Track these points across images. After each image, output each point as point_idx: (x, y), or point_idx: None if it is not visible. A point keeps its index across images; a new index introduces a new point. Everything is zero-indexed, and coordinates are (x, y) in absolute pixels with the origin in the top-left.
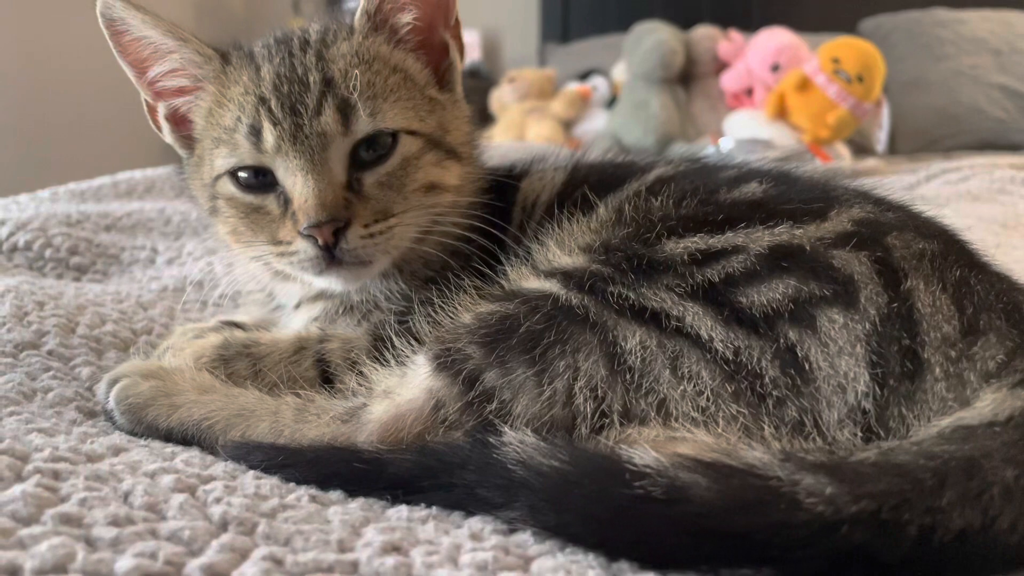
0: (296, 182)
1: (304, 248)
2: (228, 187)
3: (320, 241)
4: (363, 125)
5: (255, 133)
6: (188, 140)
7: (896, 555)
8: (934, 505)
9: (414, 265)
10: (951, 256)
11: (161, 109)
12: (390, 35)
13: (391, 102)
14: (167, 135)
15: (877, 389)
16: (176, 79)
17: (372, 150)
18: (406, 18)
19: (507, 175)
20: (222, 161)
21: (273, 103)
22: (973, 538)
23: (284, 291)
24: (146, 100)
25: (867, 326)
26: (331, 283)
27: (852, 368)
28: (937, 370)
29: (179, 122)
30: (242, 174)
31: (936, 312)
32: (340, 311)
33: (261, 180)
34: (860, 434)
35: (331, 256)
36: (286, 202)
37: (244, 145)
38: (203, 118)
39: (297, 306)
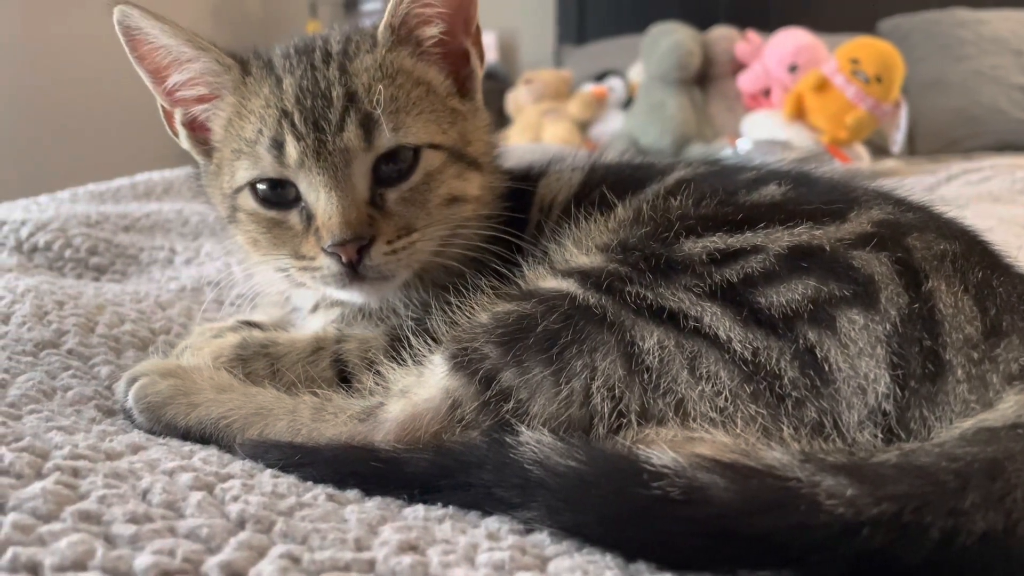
0: (320, 199)
1: (327, 264)
2: (249, 201)
3: (344, 259)
4: (386, 140)
5: (277, 147)
6: (205, 146)
7: (918, 558)
8: (956, 507)
9: (433, 274)
10: (973, 257)
11: (178, 115)
12: (414, 48)
13: (414, 116)
14: (183, 141)
15: (898, 391)
16: (195, 88)
17: (394, 165)
18: (431, 31)
19: (524, 176)
20: (243, 173)
21: (296, 117)
22: (996, 541)
23: (300, 296)
24: (162, 106)
25: (888, 327)
26: (352, 297)
27: (872, 369)
28: (959, 372)
29: (196, 128)
30: (261, 187)
31: (958, 313)
32: (359, 317)
33: (282, 194)
34: (880, 436)
35: (354, 272)
36: (309, 218)
37: (266, 158)
38: (222, 127)
39: (314, 310)
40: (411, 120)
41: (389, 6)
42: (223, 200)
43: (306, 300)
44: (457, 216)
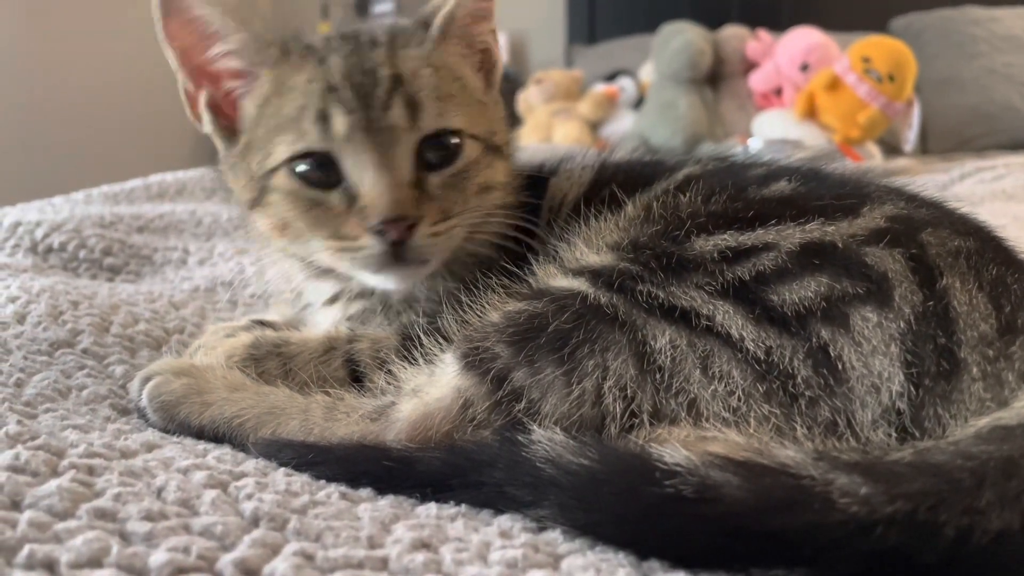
0: (366, 176)
1: (372, 244)
2: (287, 181)
3: (393, 236)
4: (431, 122)
5: (323, 119)
6: (229, 131)
7: (933, 557)
8: (972, 506)
9: (456, 264)
10: (987, 254)
11: (202, 98)
12: (461, 42)
13: (456, 104)
14: (206, 124)
15: (912, 389)
16: (231, 61)
17: (436, 150)
18: (484, 27)
19: (537, 172)
20: (284, 148)
21: (342, 91)
22: (1012, 540)
23: (315, 290)
24: (185, 89)
25: (902, 325)
26: (385, 282)
27: (886, 368)
28: (974, 369)
29: (219, 112)
30: (302, 166)
31: (973, 311)
32: (378, 310)
33: (324, 174)
34: (895, 435)
35: (396, 254)
36: (351, 198)
37: (311, 131)
38: (256, 106)
39: (332, 301)
40: (454, 107)
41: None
42: (249, 183)
43: (321, 294)
44: (487, 204)
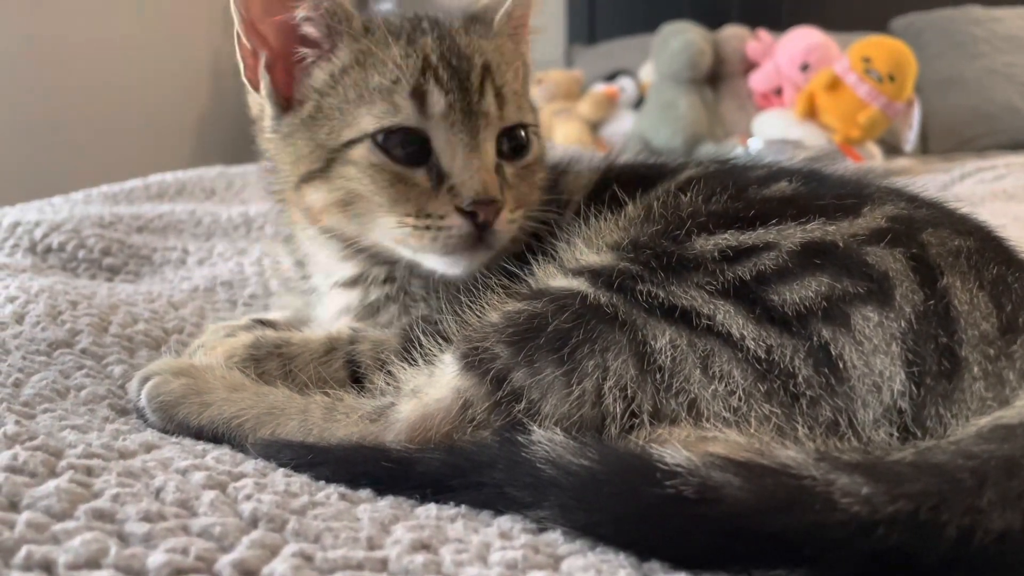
0: (459, 156)
1: (460, 224)
2: (370, 153)
3: (481, 218)
4: (512, 113)
5: (419, 96)
6: (282, 99)
7: (934, 557)
8: (974, 506)
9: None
10: (988, 253)
11: (263, 59)
12: (514, 42)
13: (522, 100)
14: (263, 88)
15: (913, 388)
16: (311, 27)
17: (511, 141)
18: (524, 33)
19: (552, 171)
20: (371, 120)
21: (441, 71)
22: (1014, 540)
23: (330, 271)
24: (243, 49)
25: (903, 324)
26: (453, 265)
27: (887, 367)
28: (975, 369)
29: (278, 75)
30: (386, 139)
31: (974, 310)
32: (401, 298)
33: (412, 150)
34: (896, 434)
35: (479, 235)
36: (440, 176)
37: (406, 107)
38: (330, 75)
39: (351, 284)
40: (523, 103)
41: (508, 2)
42: (315, 152)
43: (339, 274)
44: (536, 201)
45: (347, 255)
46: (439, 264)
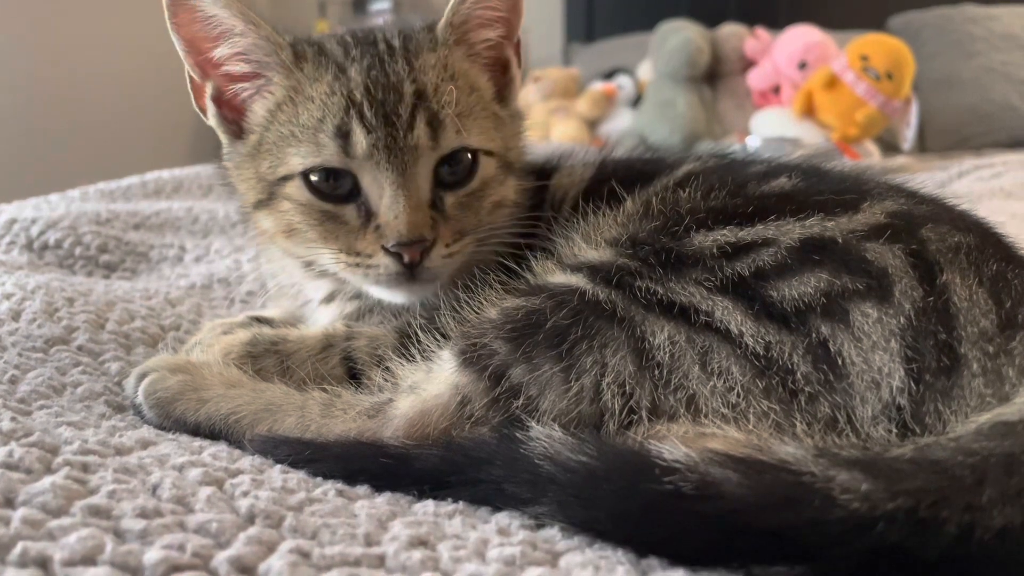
0: (385, 195)
1: (386, 264)
2: (300, 191)
3: (407, 259)
4: (451, 141)
5: (343, 136)
6: (234, 126)
7: (934, 554)
8: (973, 502)
9: (460, 274)
10: (988, 249)
11: (208, 90)
12: (468, 50)
13: (472, 120)
14: (211, 118)
15: (912, 385)
16: (238, 64)
17: (452, 168)
18: (488, 34)
19: (541, 170)
20: (298, 160)
21: (365, 108)
22: (1014, 537)
23: (313, 287)
24: (192, 78)
25: (902, 320)
26: (396, 297)
27: (887, 363)
28: (975, 365)
29: (225, 106)
30: (316, 177)
31: (973, 306)
32: (375, 308)
33: (339, 187)
34: (895, 431)
35: (410, 274)
36: (368, 214)
37: (330, 147)
38: (267, 110)
39: (328, 300)
40: (471, 123)
41: (451, 4)
42: (258, 183)
43: (319, 291)
44: (496, 220)
45: (314, 274)
46: (381, 294)
